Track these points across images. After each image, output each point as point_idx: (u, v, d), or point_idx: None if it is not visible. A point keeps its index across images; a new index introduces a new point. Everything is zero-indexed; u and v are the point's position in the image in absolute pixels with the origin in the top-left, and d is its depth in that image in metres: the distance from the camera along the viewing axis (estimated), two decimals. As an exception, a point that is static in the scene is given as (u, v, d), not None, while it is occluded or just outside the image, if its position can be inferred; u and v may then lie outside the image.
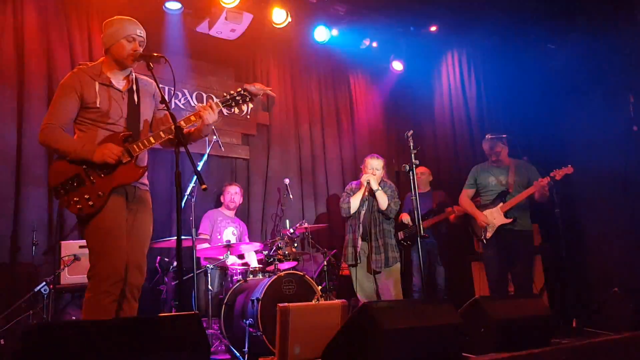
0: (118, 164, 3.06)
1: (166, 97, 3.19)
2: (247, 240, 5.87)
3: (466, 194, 5.44)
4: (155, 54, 3.13)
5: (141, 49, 3.21)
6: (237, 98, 3.30)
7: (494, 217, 5.13)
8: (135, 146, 3.09)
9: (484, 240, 5.16)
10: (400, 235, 6.28)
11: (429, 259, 6.20)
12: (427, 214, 6.17)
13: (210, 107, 3.20)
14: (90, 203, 2.98)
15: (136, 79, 3.34)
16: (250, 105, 3.50)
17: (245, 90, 3.35)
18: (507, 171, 5.26)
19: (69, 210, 3.04)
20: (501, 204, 5.14)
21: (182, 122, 3.13)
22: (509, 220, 5.05)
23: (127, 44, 3.17)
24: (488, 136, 5.42)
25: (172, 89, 5.81)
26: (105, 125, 3.13)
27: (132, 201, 3.18)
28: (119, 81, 3.24)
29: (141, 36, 3.22)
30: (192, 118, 3.19)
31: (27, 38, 5.30)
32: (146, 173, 3.31)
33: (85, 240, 3.08)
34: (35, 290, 4.29)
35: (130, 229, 3.15)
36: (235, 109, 3.35)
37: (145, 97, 3.33)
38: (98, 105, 3.10)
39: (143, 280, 3.19)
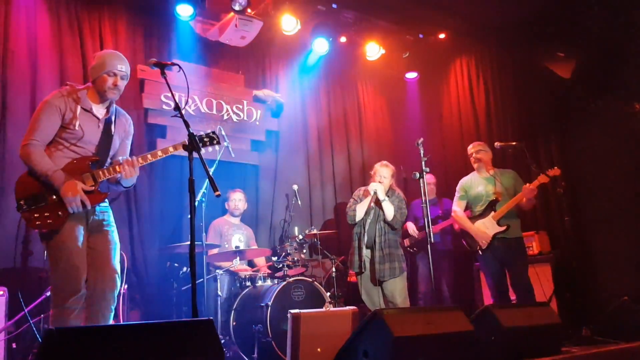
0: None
1: (177, 104, 3.24)
2: (255, 246, 5.89)
3: (460, 206, 5.43)
4: (169, 62, 3.21)
5: (122, 83, 3.40)
6: (205, 139, 3.49)
7: (487, 227, 5.14)
8: (100, 172, 3.29)
9: (480, 251, 5.18)
10: (406, 242, 6.29)
11: (435, 267, 6.15)
12: (434, 221, 6.16)
13: (131, 163, 3.31)
14: (49, 221, 3.12)
15: (116, 110, 3.53)
16: (216, 147, 3.61)
17: (213, 132, 3.56)
18: (494, 180, 5.28)
19: (28, 225, 3.19)
20: (493, 212, 5.14)
21: (104, 172, 3.29)
22: (503, 228, 5.05)
23: (108, 78, 3.35)
24: (497, 144, 5.44)
25: (182, 95, 5.85)
26: (76, 147, 3.29)
27: (91, 220, 3.32)
28: (99, 109, 3.42)
29: (122, 71, 3.38)
30: (117, 169, 3.32)
31: (39, 44, 5.35)
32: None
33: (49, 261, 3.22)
34: (47, 294, 4.31)
35: (95, 246, 3.31)
36: (203, 149, 3.47)
37: (119, 130, 3.51)
38: (76, 128, 3.26)
39: (119, 289, 3.35)
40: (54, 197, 3.15)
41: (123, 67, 3.38)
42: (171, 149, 3.44)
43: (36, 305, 4.34)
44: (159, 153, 3.43)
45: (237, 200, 5.91)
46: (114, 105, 3.51)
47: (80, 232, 3.24)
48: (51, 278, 3.19)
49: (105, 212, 3.44)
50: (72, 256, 3.15)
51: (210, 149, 3.56)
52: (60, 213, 3.14)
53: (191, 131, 3.07)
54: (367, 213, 5.12)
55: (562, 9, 6.32)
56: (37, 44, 5.35)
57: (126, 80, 3.43)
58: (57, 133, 3.26)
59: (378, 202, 5.06)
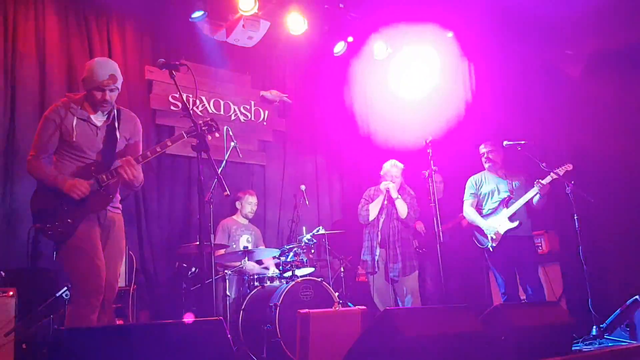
0: (89, 193, 3.26)
1: (185, 104, 3.28)
2: (263, 246, 5.88)
3: (470, 204, 5.41)
4: (178, 62, 3.23)
5: (112, 94, 3.36)
6: (204, 128, 3.43)
7: (499, 224, 5.13)
8: (104, 176, 3.33)
9: (491, 249, 5.16)
10: (415, 243, 6.26)
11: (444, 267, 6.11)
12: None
13: (129, 162, 3.31)
14: (60, 230, 3.23)
15: (118, 112, 3.51)
16: (216, 135, 3.60)
17: (212, 120, 3.51)
18: (505, 180, 5.28)
19: (43, 236, 3.30)
20: (505, 209, 5.13)
21: (107, 175, 3.33)
22: (515, 224, 5.04)
23: (96, 93, 3.34)
24: (505, 143, 5.41)
25: (189, 95, 5.87)
26: (78, 157, 3.36)
27: (103, 224, 3.40)
28: (97, 117, 3.43)
29: (108, 85, 3.33)
30: (119, 171, 3.32)
31: (48, 43, 5.37)
32: (119, 199, 3.55)
33: (62, 262, 3.30)
34: (57, 295, 4.33)
35: (103, 250, 3.37)
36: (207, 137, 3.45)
37: (124, 133, 3.52)
38: (74, 139, 3.32)
39: (115, 295, 3.46)
40: (65, 207, 3.24)
41: (109, 80, 3.32)
42: (169, 143, 3.42)
43: (46, 305, 4.36)
44: (157, 149, 3.42)
45: (254, 204, 5.92)
46: (116, 109, 3.48)
47: (96, 233, 3.34)
48: (72, 279, 3.27)
49: (117, 216, 3.50)
50: (91, 256, 3.24)
51: (209, 137, 3.48)
52: (69, 221, 3.24)
53: (200, 132, 3.09)
54: (380, 212, 5.11)
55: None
56: (45, 45, 5.37)
57: (116, 90, 3.38)
58: (58, 144, 3.35)
59: (391, 201, 5.06)
